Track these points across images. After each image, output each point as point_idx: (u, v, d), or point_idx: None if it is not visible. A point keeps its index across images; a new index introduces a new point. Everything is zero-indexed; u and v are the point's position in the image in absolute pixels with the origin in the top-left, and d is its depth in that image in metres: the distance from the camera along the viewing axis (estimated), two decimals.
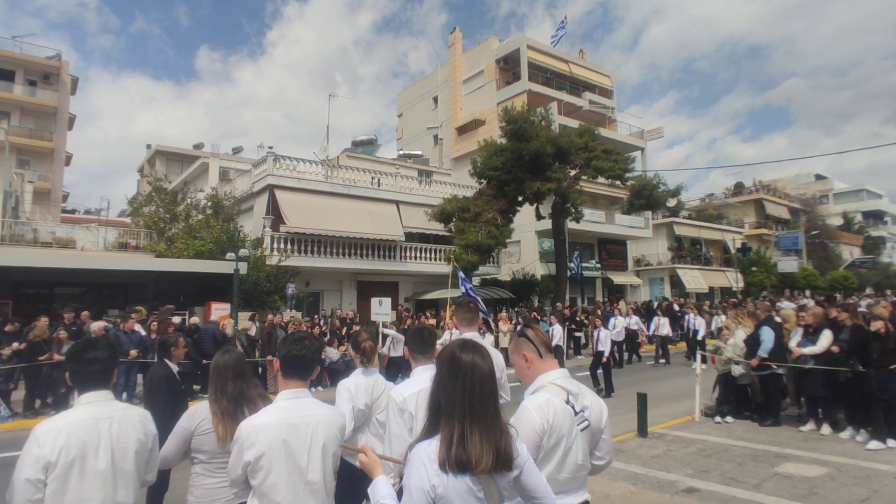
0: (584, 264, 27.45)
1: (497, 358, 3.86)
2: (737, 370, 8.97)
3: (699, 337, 16.51)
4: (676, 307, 21.83)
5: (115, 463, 2.34)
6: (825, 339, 8.09)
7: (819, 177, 68.44)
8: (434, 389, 2.00)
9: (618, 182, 24.95)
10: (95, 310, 16.95)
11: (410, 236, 24.05)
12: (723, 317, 17.92)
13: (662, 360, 16.95)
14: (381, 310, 14.86)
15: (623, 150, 28.36)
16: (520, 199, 22.57)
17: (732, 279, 36.67)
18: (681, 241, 39.29)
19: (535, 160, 21.00)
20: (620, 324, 16.49)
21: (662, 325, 17.47)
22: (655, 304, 23.91)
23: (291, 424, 2.38)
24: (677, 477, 6.23)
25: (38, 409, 10.79)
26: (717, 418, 9.03)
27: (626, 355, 17.43)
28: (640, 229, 34.67)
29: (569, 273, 25.23)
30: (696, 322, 16.78)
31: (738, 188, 53.47)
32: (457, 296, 14.30)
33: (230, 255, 16.68)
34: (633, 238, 35.77)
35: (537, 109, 23.29)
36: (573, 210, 23.25)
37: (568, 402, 2.34)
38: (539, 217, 24.61)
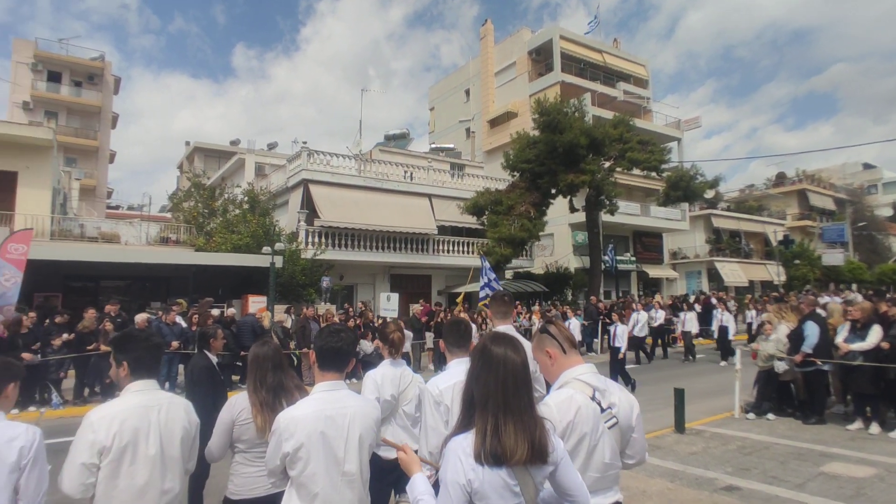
0: (618, 257, 27.05)
1: (531, 350, 3.84)
2: (780, 366, 8.71)
3: (729, 335, 15.90)
4: (714, 301, 21.31)
5: (163, 449, 2.44)
6: (875, 334, 7.78)
7: (867, 166, 65.60)
8: (468, 382, 2.00)
9: (653, 173, 24.46)
10: (139, 302, 17.55)
11: (443, 229, 24.08)
12: (754, 312, 17.39)
13: (690, 357, 16.41)
14: (389, 305, 14.52)
15: (659, 140, 27.76)
16: (553, 191, 22.35)
17: (774, 272, 35.62)
18: (719, 234, 38.32)
19: (569, 152, 20.74)
20: (642, 319, 16.08)
21: (689, 321, 16.91)
22: (692, 298, 23.40)
23: (329, 416, 2.41)
24: (716, 474, 6.10)
25: (86, 397, 11.23)
26: (754, 415, 8.80)
27: (655, 350, 16.98)
28: (677, 221, 33.96)
29: (603, 266, 24.89)
30: (724, 317, 16.22)
31: (780, 179, 51.76)
32: (480, 289, 14.30)
33: (266, 248, 17.00)
34: (669, 230, 35.07)
35: (570, 101, 22.97)
36: (607, 202, 22.91)
37: (593, 398, 2.27)
38: (573, 210, 24.33)
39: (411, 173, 24.62)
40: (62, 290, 17.91)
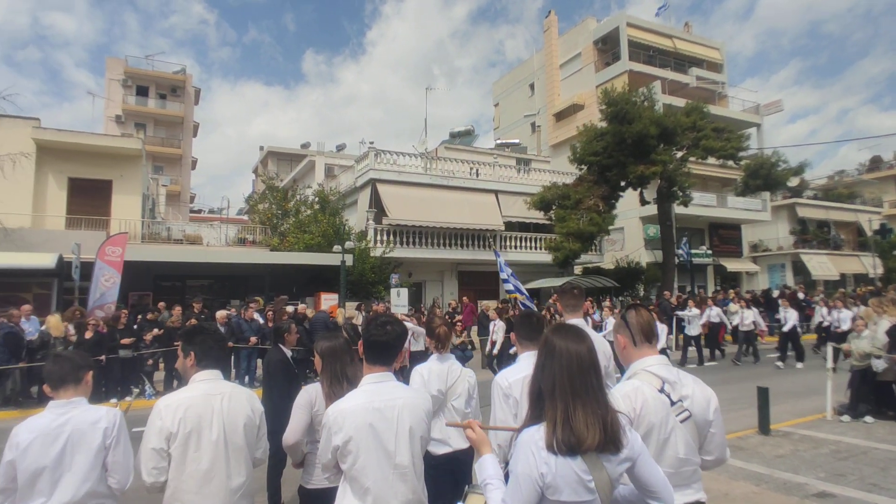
0: (693, 251, 25.92)
1: (602, 345, 3.73)
2: (878, 365, 8.07)
3: (786, 328, 14.36)
4: (801, 296, 20.03)
5: (226, 436, 2.54)
6: None
7: None
8: (534, 376, 1.97)
9: (730, 162, 23.26)
10: (220, 300, 18.51)
11: (510, 225, 23.95)
12: (824, 309, 15.68)
13: (748, 357, 14.99)
14: (399, 301, 14.06)
15: (736, 127, 26.32)
16: (622, 184, 21.70)
17: (869, 265, 33.05)
18: (805, 224, 35.95)
19: (639, 143, 20.08)
20: (693, 317, 14.93)
21: (746, 318, 15.25)
22: (776, 293, 22.10)
23: (377, 408, 2.38)
24: (807, 479, 5.73)
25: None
26: (849, 417, 8.20)
27: (705, 352, 15.33)
28: (757, 212, 32.16)
29: (677, 260, 23.94)
30: (787, 315, 14.47)
31: (875, 163, 47.94)
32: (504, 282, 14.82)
33: (337, 247, 17.52)
34: (748, 222, 33.28)
35: (639, 90, 22.21)
36: (680, 194, 21.98)
37: (662, 390, 2.21)
38: (643, 202, 23.53)
39: (477, 170, 24.62)
40: (153, 289, 19.17)
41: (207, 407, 2.53)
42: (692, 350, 15.18)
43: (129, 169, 21.36)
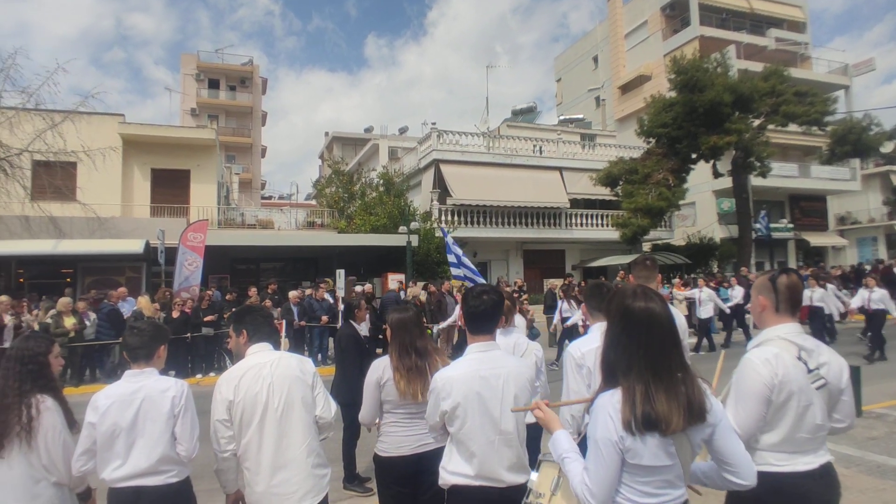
0: (772, 224, 24.56)
1: (679, 319, 3.62)
2: None
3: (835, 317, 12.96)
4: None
5: (280, 397, 2.66)
6: None
7: None
8: (605, 346, 1.87)
9: (815, 128, 21.74)
10: (292, 281, 19.24)
11: (575, 202, 23.50)
12: (866, 293, 13.85)
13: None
14: (339, 283, 12.92)
15: (821, 90, 24.47)
16: (694, 156, 20.80)
17: None
18: None
19: (711, 112, 19.13)
20: (706, 297, 13.23)
21: (815, 297, 12.92)
22: (868, 268, 20.62)
23: (483, 377, 2.44)
24: None
25: None
26: None
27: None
28: (845, 181, 29.97)
29: (754, 235, 22.77)
30: (815, 296, 12.75)
31: None
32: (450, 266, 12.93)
33: (402, 228, 17.79)
34: (834, 192, 31.05)
35: (711, 56, 21.09)
36: (758, 164, 20.81)
37: (800, 357, 2.19)
38: (717, 175, 22.44)
39: (540, 147, 24.25)
40: (230, 272, 20.17)
41: (259, 374, 2.67)
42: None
43: (204, 159, 22.48)
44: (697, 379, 1.78)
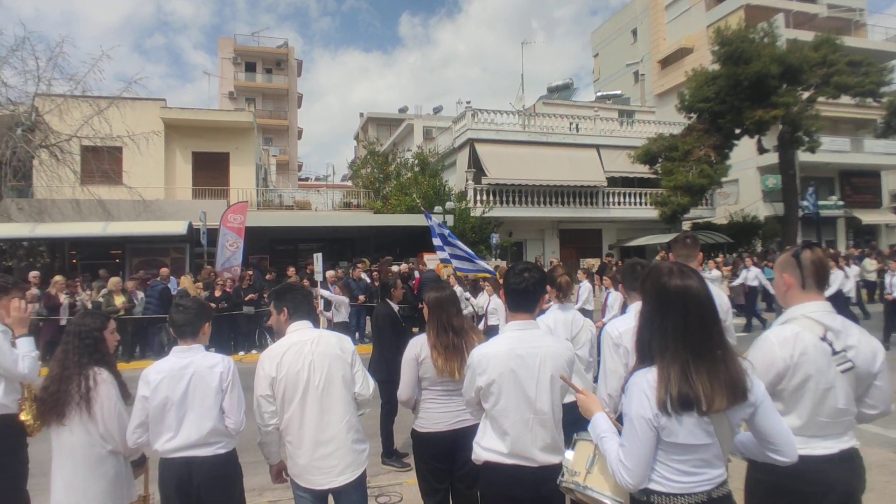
0: (820, 202, 23.61)
1: (720, 299, 3.54)
2: None
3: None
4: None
5: (320, 374, 2.73)
6: None
7: None
8: (640, 325, 1.84)
9: (869, 99, 20.69)
10: (330, 262, 19.55)
11: (613, 181, 23.04)
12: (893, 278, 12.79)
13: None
14: (317, 267, 12.23)
15: (877, 59, 23.17)
16: (737, 131, 20.12)
17: None
18: None
19: (757, 85, 18.40)
20: (752, 276, 12.59)
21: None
22: None
23: (519, 355, 2.44)
24: None
25: None
26: None
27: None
28: None
29: (801, 213, 21.95)
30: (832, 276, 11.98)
31: None
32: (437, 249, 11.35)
33: (437, 208, 17.82)
34: (890, 167, 29.53)
35: (758, 25, 20.23)
36: (806, 139, 19.97)
37: (825, 338, 2.07)
38: (762, 150, 21.65)
39: (577, 124, 23.80)
40: (269, 252, 20.61)
41: (300, 352, 2.74)
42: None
43: (243, 141, 22.88)
44: (738, 358, 1.75)
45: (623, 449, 1.76)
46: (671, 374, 1.68)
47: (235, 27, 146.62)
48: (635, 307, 3.04)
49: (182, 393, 2.72)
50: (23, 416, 3.11)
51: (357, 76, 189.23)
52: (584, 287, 10.92)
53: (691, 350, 1.70)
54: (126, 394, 2.90)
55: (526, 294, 2.54)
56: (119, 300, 11.08)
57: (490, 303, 9.65)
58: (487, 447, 2.49)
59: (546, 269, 4.27)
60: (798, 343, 2.05)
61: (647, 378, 1.74)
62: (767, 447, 1.79)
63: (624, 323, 2.92)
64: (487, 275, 11.14)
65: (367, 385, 2.92)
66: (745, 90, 18.70)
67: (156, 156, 19.69)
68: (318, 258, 11.48)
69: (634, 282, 3.16)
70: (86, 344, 2.80)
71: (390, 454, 5.43)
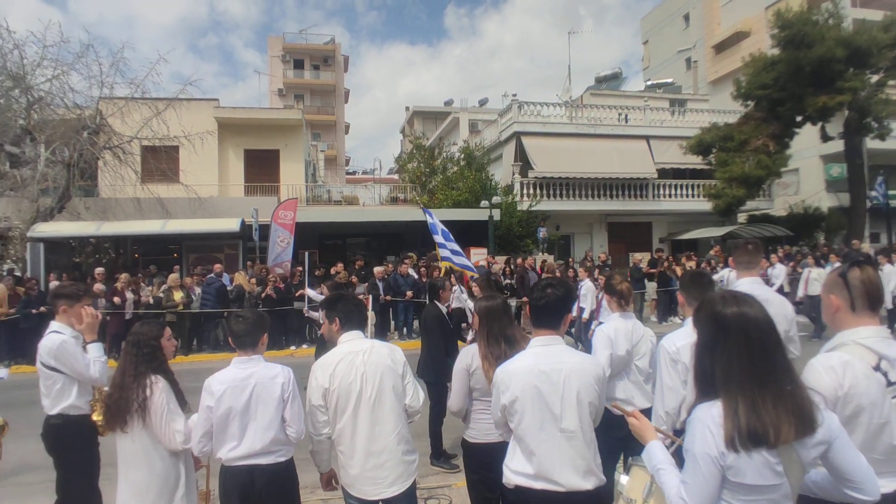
0: (891, 192, 22.26)
1: (783, 307, 3.37)
2: None
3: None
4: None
5: (371, 386, 2.76)
6: None
7: None
8: (699, 354, 1.76)
9: None
10: (377, 256, 19.80)
11: (664, 172, 22.38)
12: None
13: None
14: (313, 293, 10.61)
15: None
16: (798, 119, 19.17)
17: None
18: None
19: (820, 69, 17.46)
20: (815, 276, 11.05)
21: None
22: None
23: (543, 371, 2.39)
24: None
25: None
26: None
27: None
28: None
29: (869, 204, 20.77)
30: None
31: None
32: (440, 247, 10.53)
33: (484, 202, 17.75)
34: None
35: (822, 6, 19.14)
36: (875, 125, 18.82)
37: (878, 368, 1.89)
38: (826, 138, 20.53)
39: (626, 115, 23.22)
40: (318, 247, 21.00)
41: (352, 363, 2.78)
42: None
43: (292, 138, 23.38)
44: (806, 388, 1.65)
45: (685, 486, 1.68)
46: (739, 408, 1.59)
47: (285, 24, 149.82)
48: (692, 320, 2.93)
49: (245, 403, 2.80)
50: (94, 417, 3.31)
51: (403, 69, 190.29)
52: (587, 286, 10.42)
53: (756, 380, 1.61)
54: (183, 401, 3.00)
55: (548, 310, 2.49)
56: (178, 296, 11.55)
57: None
58: (516, 470, 2.44)
59: (607, 278, 4.13)
60: (848, 373, 1.88)
61: (712, 413, 1.64)
62: (846, 485, 1.67)
63: (681, 337, 2.82)
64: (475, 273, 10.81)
65: (417, 397, 2.94)
66: (808, 76, 17.78)
67: (210, 154, 20.36)
68: (306, 256, 11.36)
69: (699, 293, 3.02)
70: (144, 353, 2.91)
71: (439, 455, 5.46)
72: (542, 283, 2.58)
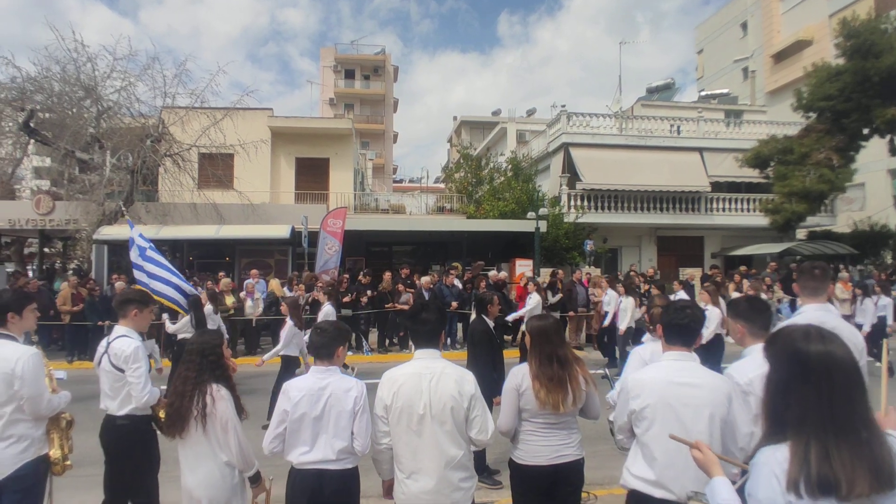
0: None
1: (853, 338, 3.17)
2: None
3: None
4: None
5: (432, 413, 2.73)
6: None
7: None
8: (771, 392, 1.65)
9: None
10: (423, 265, 19.90)
11: (717, 186, 21.70)
12: None
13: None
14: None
15: None
16: (865, 131, 18.31)
17: None
18: None
19: (889, 80, 16.67)
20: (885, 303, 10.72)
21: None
22: None
23: (676, 383, 2.49)
24: None
25: (387, 347, 13.26)
26: None
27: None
28: None
29: None
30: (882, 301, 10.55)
31: None
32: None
33: (530, 214, 17.63)
34: None
35: (891, 13, 18.28)
36: None
37: None
38: (894, 152, 19.54)
39: (678, 126, 22.67)
40: (365, 254, 21.30)
41: (417, 385, 2.77)
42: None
43: (342, 147, 23.85)
44: (887, 437, 1.53)
45: None
46: (810, 453, 1.49)
47: (341, 33, 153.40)
48: (758, 349, 2.79)
49: (319, 411, 2.89)
50: (161, 414, 3.45)
51: (455, 77, 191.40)
52: (533, 299, 10.55)
53: (833, 426, 1.50)
54: (240, 408, 3.08)
55: (687, 329, 2.63)
56: (230, 300, 11.88)
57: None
58: (637, 474, 2.52)
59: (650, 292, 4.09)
60: None
61: (777, 456, 1.55)
62: None
63: (751, 368, 2.68)
64: (174, 305, 8.24)
65: (485, 430, 2.85)
66: (876, 86, 16.98)
67: (263, 162, 20.95)
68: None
69: (763, 321, 2.89)
70: (209, 361, 3.01)
71: (482, 470, 5.39)
72: (681, 303, 2.77)
